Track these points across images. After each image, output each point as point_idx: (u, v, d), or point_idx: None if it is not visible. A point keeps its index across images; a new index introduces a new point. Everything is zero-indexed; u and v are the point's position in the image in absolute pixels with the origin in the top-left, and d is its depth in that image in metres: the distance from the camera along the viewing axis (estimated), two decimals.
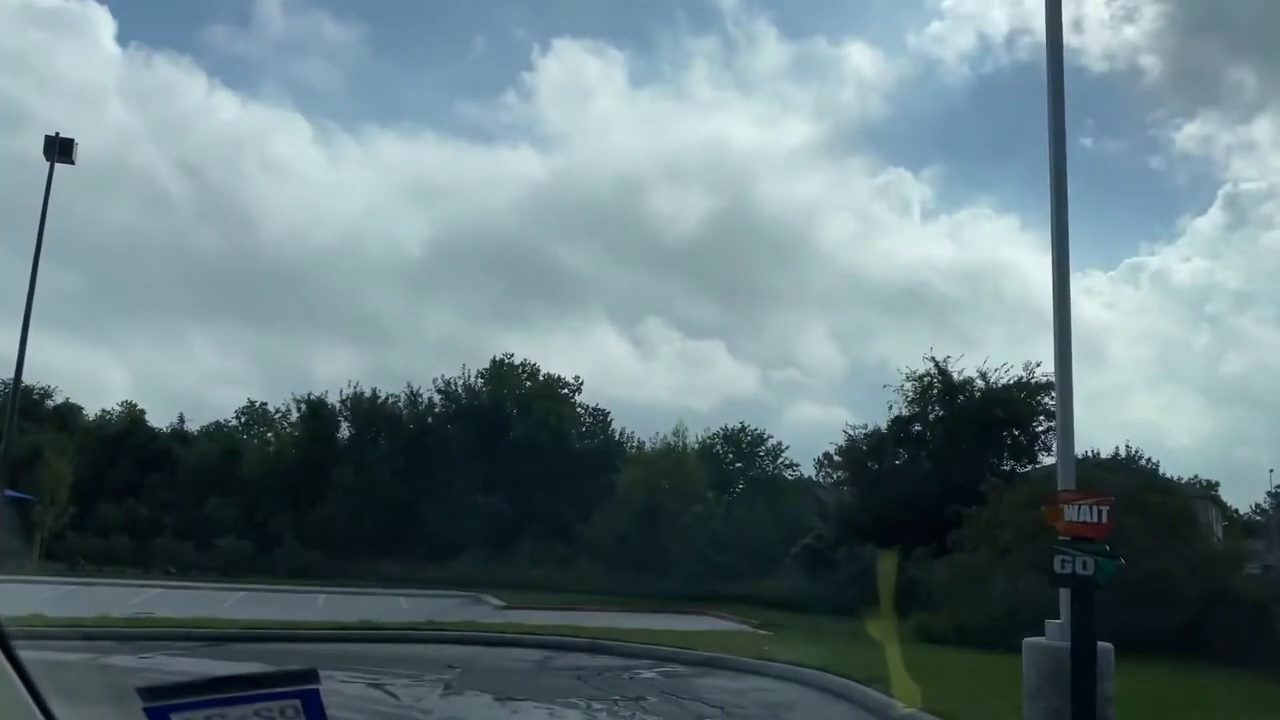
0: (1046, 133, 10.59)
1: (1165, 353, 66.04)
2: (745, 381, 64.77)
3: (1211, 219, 72.54)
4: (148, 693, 1.49)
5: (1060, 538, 8.59)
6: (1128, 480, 23.76)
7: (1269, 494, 54.67)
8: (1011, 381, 34.52)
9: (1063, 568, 8.26)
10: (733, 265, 67.38)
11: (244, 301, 64.58)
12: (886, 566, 23.14)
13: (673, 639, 18.08)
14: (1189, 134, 75.78)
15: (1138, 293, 71.81)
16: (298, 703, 1.56)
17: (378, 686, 12.33)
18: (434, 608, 28.16)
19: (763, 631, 23.46)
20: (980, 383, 34.76)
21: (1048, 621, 9.45)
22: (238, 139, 68.41)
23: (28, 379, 52.01)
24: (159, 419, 48.25)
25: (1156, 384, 62.85)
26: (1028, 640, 9.42)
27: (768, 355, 68.45)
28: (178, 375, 63.56)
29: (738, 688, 13.71)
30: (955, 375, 35.00)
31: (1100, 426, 55.28)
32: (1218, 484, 50.53)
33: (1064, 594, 9.18)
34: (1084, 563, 8.25)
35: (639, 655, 16.51)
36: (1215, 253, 71.35)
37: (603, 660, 16.05)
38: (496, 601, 30.80)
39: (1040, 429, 34.65)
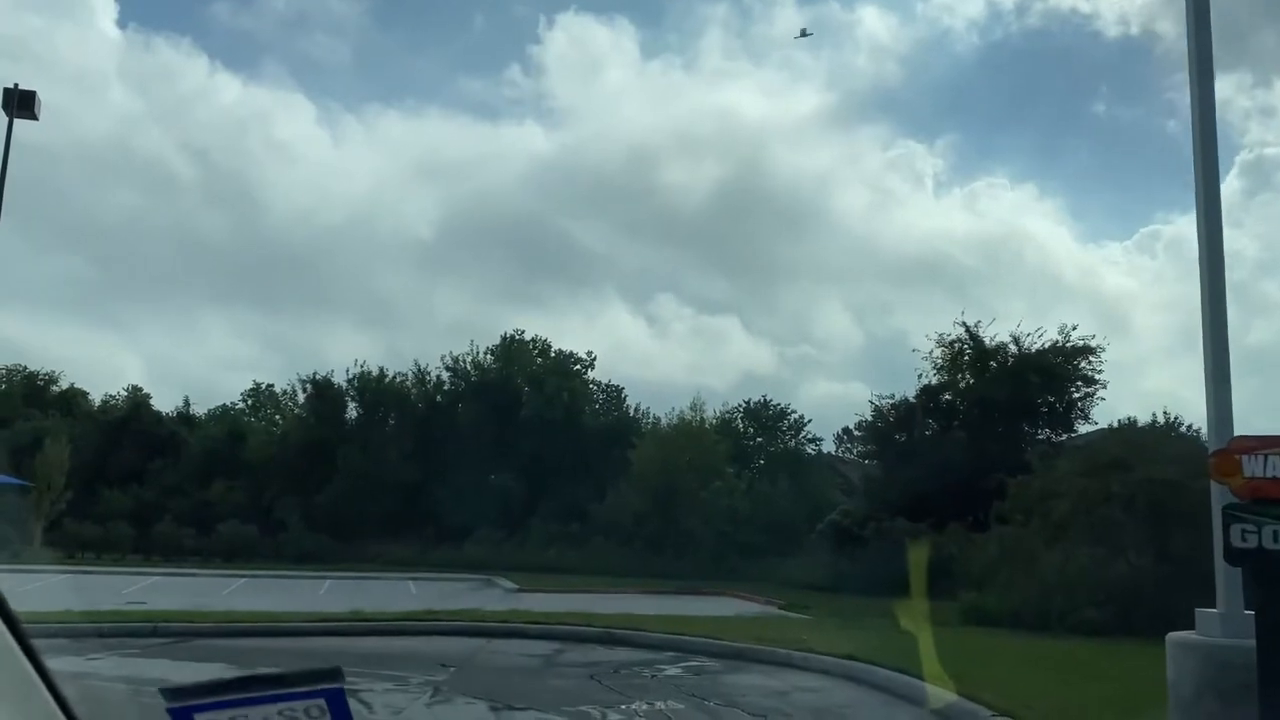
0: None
1: (1184, 323, 63.04)
2: (760, 358, 62.28)
3: (1229, 185, 69.12)
4: (171, 693, 1.42)
5: (1234, 500, 6.18)
6: (1193, 448, 21.27)
7: None
8: (1046, 346, 32.06)
9: (1244, 540, 5.89)
10: (745, 239, 64.86)
11: (253, 285, 62.58)
12: (918, 555, 20.99)
13: (697, 627, 15.80)
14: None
15: (1154, 262, 68.82)
16: (322, 702, 1.50)
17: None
18: (443, 592, 26.10)
19: (793, 615, 21.16)
20: (1013, 348, 32.29)
21: (1201, 611, 7.08)
22: (241, 121, 66.24)
23: (33, 365, 50.52)
24: (167, 404, 46.29)
25: (1176, 355, 59.88)
26: (1175, 636, 7.06)
27: (782, 330, 65.82)
28: (187, 360, 61.64)
29: (778, 687, 11.41)
30: (987, 341, 32.56)
31: (1123, 397, 52.64)
32: None
33: (1226, 576, 6.83)
34: (1275, 532, 5.86)
35: (660, 647, 14.23)
36: (1234, 219, 68.13)
37: (620, 654, 13.77)
38: (509, 585, 28.69)
39: (1077, 396, 32.22)
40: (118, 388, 47.25)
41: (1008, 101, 72.66)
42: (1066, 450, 25.99)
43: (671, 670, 12.50)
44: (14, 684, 1.50)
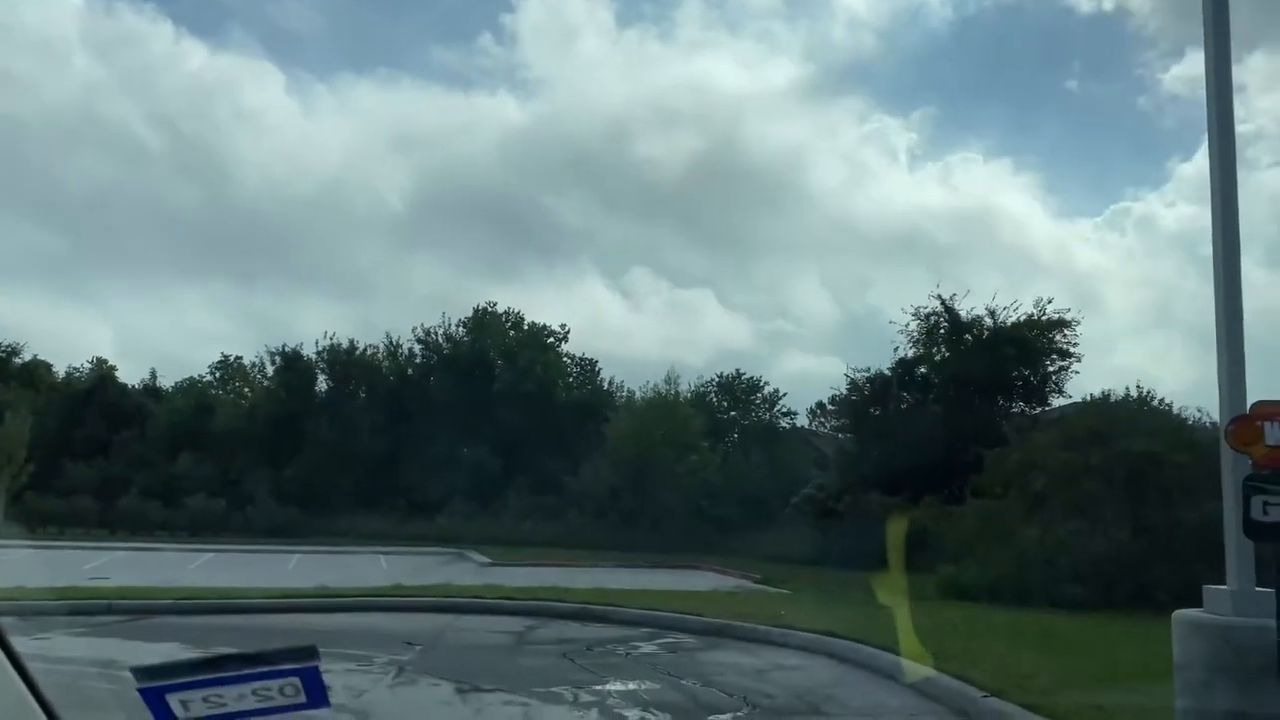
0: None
1: (1154, 299, 63.17)
2: (736, 331, 61.85)
3: (1198, 163, 69.17)
4: (143, 672, 1.40)
5: (1258, 470, 5.70)
6: (1170, 422, 21.06)
7: None
8: (1022, 320, 31.73)
9: (1266, 513, 5.42)
10: (721, 212, 64.28)
11: (223, 256, 61.34)
12: (895, 529, 20.65)
13: (673, 602, 15.33)
14: (1177, 75, 72.34)
15: (1124, 239, 68.85)
16: (297, 681, 1.47)
17: None
18: (414, 566, 25.52)
19: (770, 589, 20.77)
20: (989, 321, 31.94)
21: (1209, 588, 6.61)
22: (208, 89, 64.57)
23: None
24: (134, 377, 45.22)
25: (1145, 331, 59.99)
26: (1183, 615, 6.60)
27: (758, 305, 65.42)
28: (155, 332, 60.37)
29: (757, 665, 10.93)
30: (963, 314, 32.19)
31: (1093, 373, 52.49)
32: None
33: (1238, 551, 6.36)
34: None
35: (635, 623, 13.72)
36: (1203, 197, 67.98)
37: (594, 630, 13.26)
38: (482, 559, 28.17)
39: (1052, 369, 31.98)
40: (84, 360, 46.13)
41: (983, 76, 72.40)
42: (1042, 424, 25.70)
43: (647, 647, 12.00)
44: None
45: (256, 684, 1.46)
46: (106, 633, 12.40)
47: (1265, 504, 5.42)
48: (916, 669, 9.65)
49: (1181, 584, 16.42)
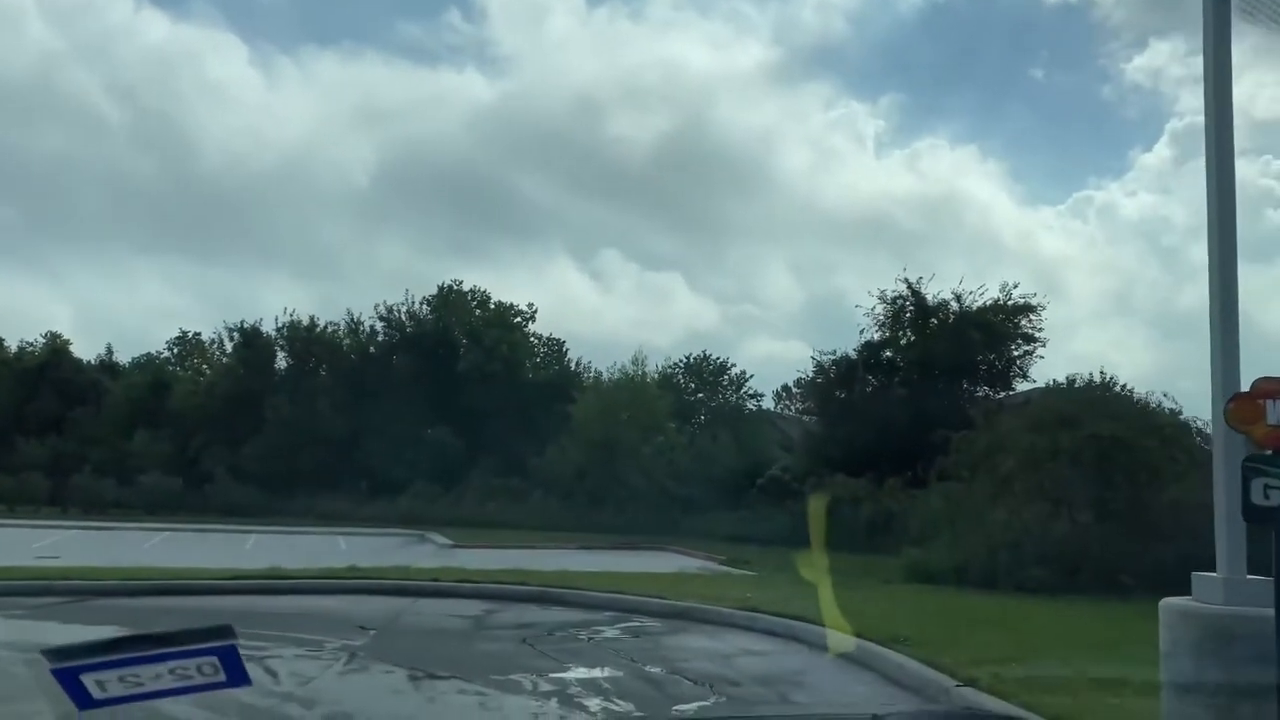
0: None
1: (1114, 287, 63.56)
2: (704, 314, 61.54)
3: (1158, 154, 69.70)
4: (55, 654, 1.38)
5: (1259, 451, 5.35)
6: (1136, 408, 20.96)
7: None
8: (988, 304, 31.65)
9: (1268, 497, 5.08)
10: (690, 195, 63.77)
11: (183, 231, 59.89)
12: (816, 508, 20.49)
13: (637, 584, 14.94)
14: (1139, 65, 72.71)
15: (1086, 227, 69.23)
16: (215, 660, 1.45)
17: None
18: (374, 548, 24.95)
19: (735, 570, 20.46)
20: (955, 305, 31.81)
21: (1198, 575, 6.29)
22: (169, 60, 62.94)
23: None
24: (90, 352, 44.01)
25: (1105, 318, 60.37)
26: (1170, 602, 6.27)
27: (726, 288, 65.12)
28: (113, 308, 59.07)
29: (722, 650, 10.57)
30: (929, 298, 32.02)
31: (1054, 359, 52.74)
32: None
33: (1229, 537, 6.04)
34: None
35: (598, 606, 13.31)
36: (1164, 187, 68.71)
37: (555, 614, 12.83)
38: (443, 540, 27.63)
39: (1017, 354, 31.95)
40: (37, 335, 44.82)
41: (951, 63, 72.28)
42: (1006, 407, 25.60)
43: (609, 632, 11.59)
44: None
45: (174, 663, 1.43)
46: (42, 615, 11.79)
47: (1266, 487, 5.07)
48: (842, 640, 9.48)
49: (1148, 568, 16.39)
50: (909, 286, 31.95)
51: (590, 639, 11.11)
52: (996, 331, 31.15)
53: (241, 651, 1.54)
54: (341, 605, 13.16)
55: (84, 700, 1.41)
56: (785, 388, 45.49)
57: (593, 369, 41.68)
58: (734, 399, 40.96)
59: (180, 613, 12.10)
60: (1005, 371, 32.02)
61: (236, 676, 1.51)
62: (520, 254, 64.59)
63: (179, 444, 37.50)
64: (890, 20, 73.93)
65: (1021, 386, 31.79)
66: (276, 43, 72.71)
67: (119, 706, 1.43)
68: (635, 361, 38.20)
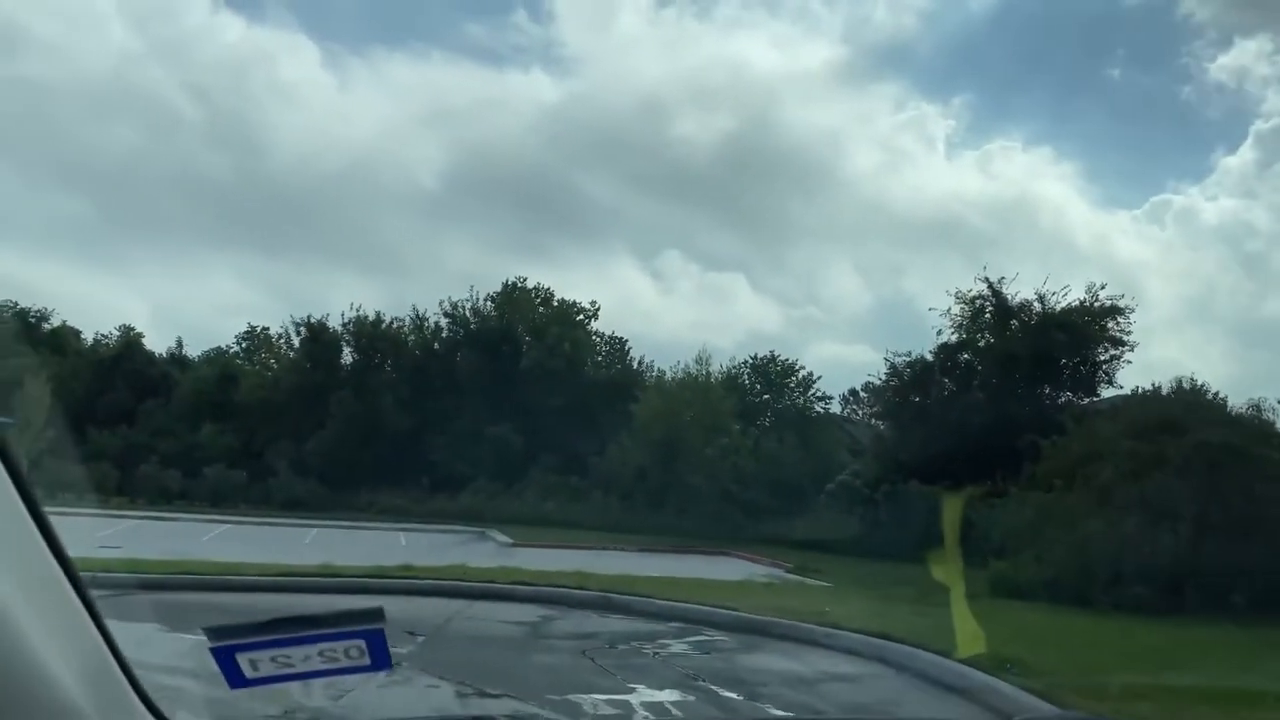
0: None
1: (1193, 294, 60.36)
2: (766, 317, 59.98)
3: (1242, 156, 66.10)
4: (214, 632, 1.43)
5: None
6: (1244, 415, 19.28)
7: None
8: (1072, 305, 29.88)
9: None
10: (754, 196, 62.14)
11: (254, 228, 60.07)
12: (952, 507, 18.96)
13: (704, 592, 13.84)
14: (1223, 65, 69.13)
15: (1163, 232, 65.92)
16: (362, 643, 1.48)
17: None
18: (433, 545, 24.29)
19: (809, 581, 19.21)
20: (1037, 306, 30.10)
21: None
22: (244, 61, 63.27)
23: (25, 303, 48.51)
24: (161, 345, 44.23)
25: (1181, 326, 57.28)
26: None
27: (790, 290, 63.46)
28: (185, 302, 59.42)
29: (802, 672, 9.41)
30: (1010, 298, 30.35)
31: (1131, 366, 50.23)
32: None
33: None
34: None
35: (663, 616, 12.22)
36: (1247, 191, 65.12)
37: (617, 623, 11.79)
38: (503, 539, 26.83)
39: (1103, 358, 30.09)
40: (112, 328, 45.21)
41: (1024, 62, 69.55)
42: (1093, 414, 23.96)
43: (676, 646, 10.50)
44: (65, 622, 1.38)
45: (323, 645, 1.46)
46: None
47: None
48: (1004, 688, 8.12)
49: (1263, 589, 14.82)
50: (989, 286, 30.36)
51: (656, 654, 10.03)
52: (1082, 334, 29.37)
53: None
54: (391, 606, 11.87)
55: (237, 678, 1.44)
56: (853, 391, 44.07)
57: (654, 368, 40.69)
58: (800, 401, 39.53)
59: (220, 611, 11.29)
60: (1090, 376, 30.20)
61: (380, 660, 1.49)
62: (583, 254, 63.79)
63: (244, 437, 37.35)
64: (962, 18, 71.55)
65: (1106, 392, 30.04)
66: (346, 44, 73.01)
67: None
68: (699, 361, 37.11)
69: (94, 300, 58.72)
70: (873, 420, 37.55)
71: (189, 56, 60.86)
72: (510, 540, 26.29)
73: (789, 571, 21.38)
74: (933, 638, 9.62)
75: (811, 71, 65.48)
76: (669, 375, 38.08)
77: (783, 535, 28.91)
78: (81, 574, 1.45)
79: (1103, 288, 29.89)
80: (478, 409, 36.86)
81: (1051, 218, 62.00)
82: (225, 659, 1.44)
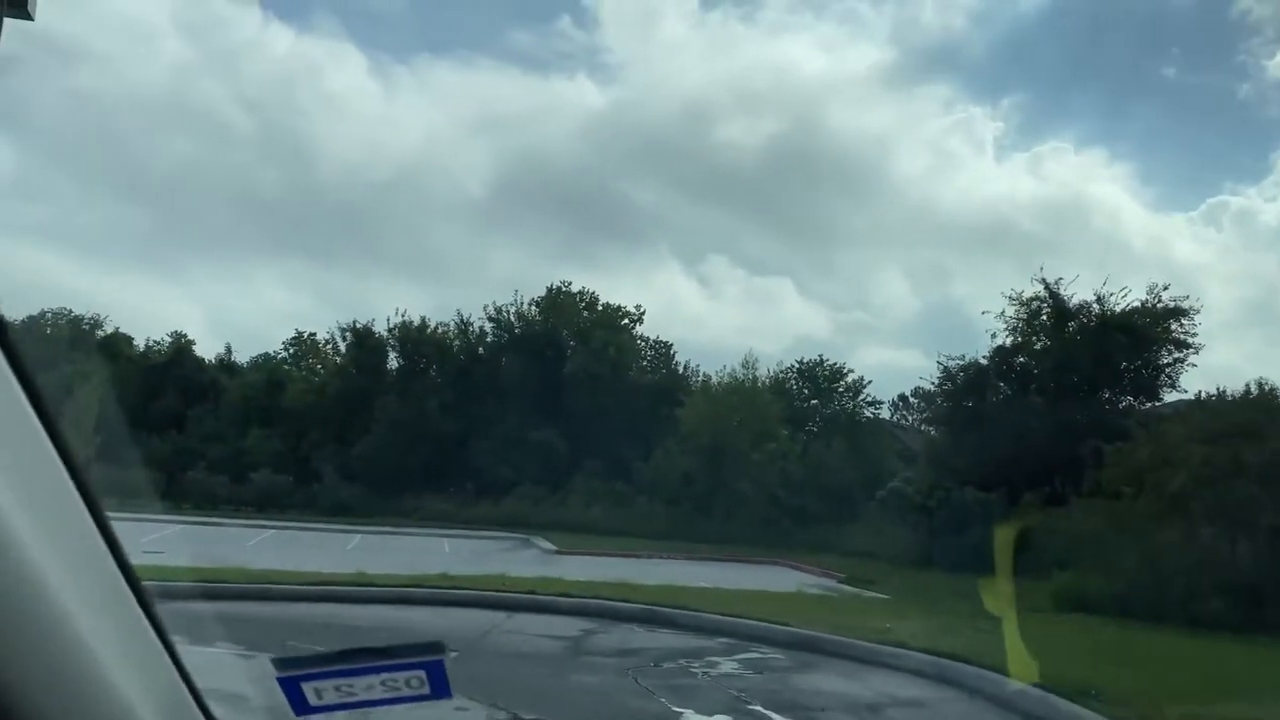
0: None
1: (1252, 297, 58.08)
2: (814, 322, 59.17)
3: None
4: (282, 663, 1.45)
5: None
6: None
7: None
8: (1133, 306, 28.61)
9: None
10: (801, 200, 61.49)
11: (303, 236, 60.68)
12: (1004, 535, 18.00)
13: (754, 605, 13.10)
14: None
15: (1220, 235, 63.64)
16: (422, 674, 1.49)
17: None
18: (477, 551, 23.83)
19: (862, 591, 18.37)
20: (1096, 308, 28.86)
21: None
22: (293, 72, 63.96)
23: (77, 309, 49.11)
24: (211, 352, 44.45)
25: (1239, 329, 55.11)
26: None
27: (837, 295, 62.48)
28: (235, 309, 60.07)
29: (864, 696, 8.65)
30: (1068, 299, 29.16)
31: (1193, 373, 48.38)
32: None
33: None
34: None
35: (712, 631, 11.53)
36: None
37: (662, 639, 11.11)
38: (547, 545, 26.27)
39: (1166, 361, 28.76)
40: (163, 334, 45.54)
41: (1074, 62, 67.80)
42: (1159, 418, 22.79)
43: (726, 665, 9.79)
44: (140, 651, 1.30)
45: (385, 675, 1.47)
46: None
47: None
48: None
49: None
50: (1045, 287, 29.17)
51: (704, 673, 9.33)
52: (1144, 336, 28.09)
53: None
54: (427, 618, 11.72)
55: (301, 706, 1.45)
56: (902, 396, 42.88)
57: (700, 373, 39.94)
58: (850, 406, 38.52)
59: (250, 623, 10.80)
60: (1153, 380, 28.88)
61: (440, 690, 1.48)
62: (628, 259, 63.35)
63: (291, 442, 37.27)
64: (1011, 19, 70.10)
65: (1169, 397, 28.71)
66: (393, 53, 73.24)
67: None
68: (746, 365, 36.31)
69: (147, 308, 59.57)
70: (924, 426, 36.45)
71: (240, 69, 61.61)
72: (554, 547, 25.74)
73: (842, 582, 20.53)
74: (1001, 659, 8.83)
75: (858, 74, 64.55)
76: (715, 380, 37.38)
77: (832, 543, 28.04)
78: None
79: (1165, 289, 28.62)
80: (522, 414, 36.41)
81: (1105, 221, 60.34)
82: (291, 688, 1.45)
